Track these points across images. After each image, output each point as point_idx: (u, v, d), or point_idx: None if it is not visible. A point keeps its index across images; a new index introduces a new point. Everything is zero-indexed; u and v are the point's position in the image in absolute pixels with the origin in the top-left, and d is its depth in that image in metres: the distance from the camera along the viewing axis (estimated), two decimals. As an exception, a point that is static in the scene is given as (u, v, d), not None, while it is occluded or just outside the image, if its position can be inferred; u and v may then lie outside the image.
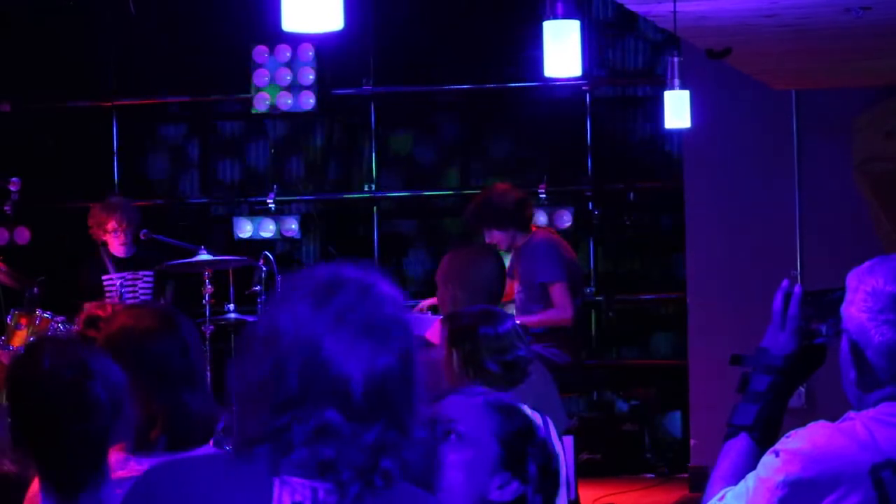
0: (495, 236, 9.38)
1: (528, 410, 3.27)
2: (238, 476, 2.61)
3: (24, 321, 10.21)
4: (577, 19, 7.56)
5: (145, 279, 10.73)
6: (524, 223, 9.42)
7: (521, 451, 3.17)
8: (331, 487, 2.57)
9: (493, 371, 5.13)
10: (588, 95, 12.48)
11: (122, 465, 3.72)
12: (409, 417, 2.65)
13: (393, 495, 2.62)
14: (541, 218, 11.31)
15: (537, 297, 9.27)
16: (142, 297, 10.57)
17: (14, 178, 11.42)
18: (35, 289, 10.74)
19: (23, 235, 12.90)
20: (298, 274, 2.73)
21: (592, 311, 12.38)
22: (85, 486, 3.46)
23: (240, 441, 2.65)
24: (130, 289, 10.66)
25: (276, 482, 2.58)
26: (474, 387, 4.90)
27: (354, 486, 2.57)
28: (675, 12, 8.86)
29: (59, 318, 10.14)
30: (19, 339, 10.09)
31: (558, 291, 9.20)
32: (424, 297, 11.28)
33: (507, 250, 9.51)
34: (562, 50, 7.53)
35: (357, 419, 2.59)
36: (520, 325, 5.81)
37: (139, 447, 3.84)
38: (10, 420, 3.57)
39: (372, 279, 2.69)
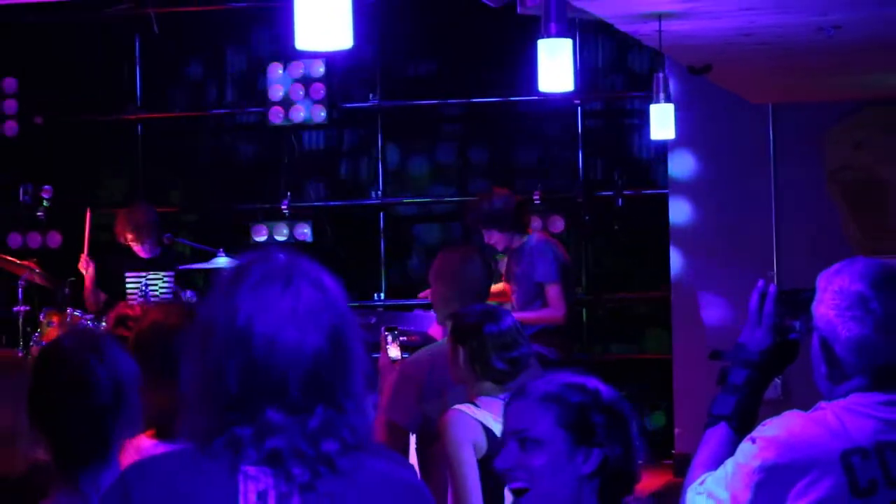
0: (494, 237, 9.37)
1: (577, 378, 3.23)
2: (206, 470, 2.58)
3: (55, 319, 10.22)
4: (570, 38, 7.57)
5: (166, 279, 10.73)
6: (522, 226, 9.43)
7: (586, 424, 3.17)
8: (283, 474, 2.55)
9: (500, 368, 5.08)
10: (579, 109, 12.50)
11: (152, 449, 3.72)
12: (345, 397, 2.61)
13: (354, 473, 2.59)
14: (535, 223, 11.29)
15: (533, 296, 9.26)
16: (163, 297, 10.58)
17: (46, 186, 11.44)
18: (66, 289, 10.76)
19: (54, 239, 12.92)
20: (230, 267, 2.70)
21: (583, 309, 12.38)
22: (85, 466, 3.43)
23: (194, 436, 2.62)
24: (153, 288, 10.67)
25: (241, 475, 2.55)
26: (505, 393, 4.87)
27: (304, 474, 2.54)
28: (660, 31, 8.88)
29: (88, 317, 10.15)
30: (51, 335, 10.10)
31: (554, 291, 9.20)
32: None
33: (505, 251, 9.53)
34: (555, 66, 7.54)
35: (296, 411, 2.57)
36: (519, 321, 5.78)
37: (165, 435, 3.84)
38: (28, 404, 3.59)
39: (298, 267, 2.65)
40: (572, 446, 3.17)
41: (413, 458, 5.90)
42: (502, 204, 9.35)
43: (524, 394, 3.26)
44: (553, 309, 9.16)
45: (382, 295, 12.81)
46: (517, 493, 3.24)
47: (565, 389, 3.22)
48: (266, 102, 12.77)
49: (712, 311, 11.82)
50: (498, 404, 4.87)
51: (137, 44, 13.17)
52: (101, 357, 3.49)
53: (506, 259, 9.63)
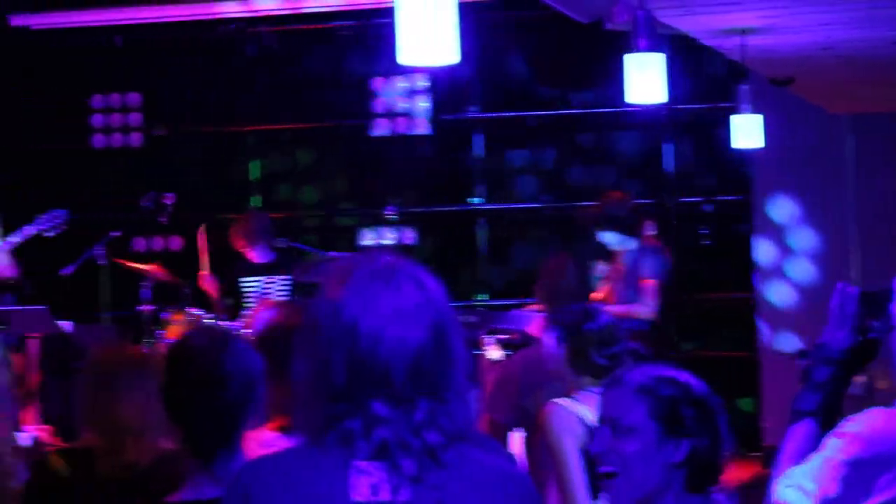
0: (608, 238, 9.32)
1: (670, 372, 3.23)
2: (319, 465, 2.58)
3: (177, 317, 10.33)
4: (662, 52, 7.54)
5: (281, 282, 10.79)
6: (636, 229, 9.35)
7: (677, 416, 3.16)
8: (393, 467, 2.55)
9: (600, 364, 5.02)
10: (667, 119, 12.46)
11: (276, 442, 3.75)
12: (447, 390, 2.60)
13: (459, 465, 2.59)
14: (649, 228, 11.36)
15: (634, 295, 9.19)
16: (280, 297, 10.65)
17: (168, 194, 11.55)
18: (186, 289, 10.86)
19: (176, 243, 13.06)
20: (338, 267, 2.71)
21: (672, 308, 12.31)
22: (216, 455, 3.45)
23: (307, 431, 2.64)
24: (269, 291, 10.74)
25: (353, 469, 2.55)
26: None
27: (410, 464, 2.54)
28: (742, 46, 8.83)
29: (209, 315, 10.25)
30: (173, 332, 10.21)
31: (650, 288, 9.12)
32: (524, 296, 11.31)
33: (614, 251, 9.41)
34: (644, 79, 7.51)
35: (401, 403, 2.57)
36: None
37: (286, 429, 3.87)
38: (162, 397, 3.61)
39: (401, 267, 2.66)
40: (662, 436, 3.17)
41: (520, 452, 5.89)
42: (620, 207, 9.30)
43: (620, 383, 3.26)
44: (644, 305, 9.09)
45: (484, 296, 12.82)
46: (607, 477, 3.23)
47: (658, 382, 3.21)
48: (372, 114, 12.84)
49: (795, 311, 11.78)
50: (595, 398, 4.85)
51: (250, 60, 13.27)
52: (230, 353, 3.52)
53: (605, 265, 9.58)
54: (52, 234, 9.44)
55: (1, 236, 9.41)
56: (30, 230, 9.33)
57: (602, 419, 3.27)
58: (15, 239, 9.32)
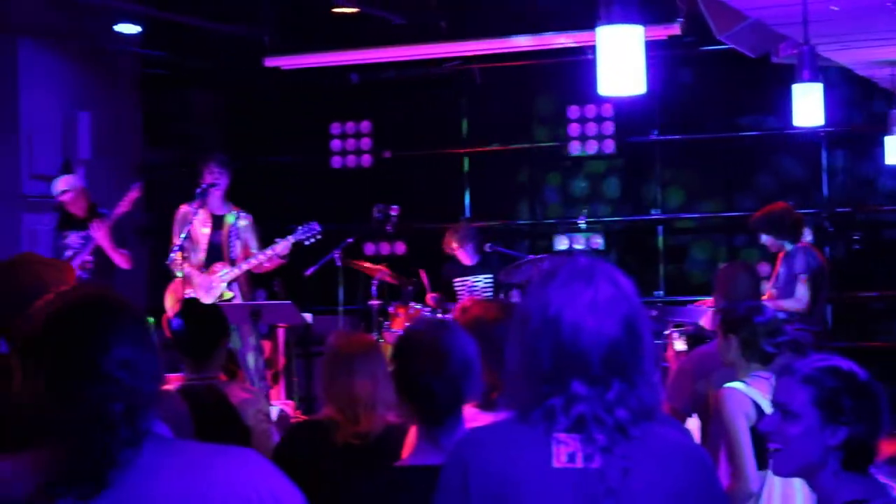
0: (769, 240, 9.19)
1: (835, 361, 3.13)
2: (525, 436, 2.61)
3: (401, 311, 10.42)
4: (820, 82, 7.40)
5: (486, 281, 10.83)
6: (794, 235, 9.18)
7: (837, 405, 3.06)
8: (588, 439, 2.56)
9: (769, 352, 4.97)
10: (823, 140, 12.23)
11: (475, 417, 3.75)
12: (636, 374, 2.60)
13: (644, 438, 2.59)
14: (807, 235, 11.18)
15: (791, 291, 9.03)
16: (484, 295, 10.69)
17: (394, 206, 11.67)
18: (409, 287, 10.95)
19: (400, 248, 13.18)
20: (544, 267, 2.72)
21: (828, 305, 12.03)
22: (441, 425, 3.45)
23: (516, 407, 2.66)
24: (475, 288, 10.78)
25: (553, 440, 2.58)
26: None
27: (602, 436, 2.55)
28: (893, 76, 8.59)
29: (426, 309, 10.31)
30: (398, 324, 10.30)
31: (801, 285, 8.96)
32: (695, 293, 11.16)
33: (775, 254, 9.28)
34: (807, 105, 7.39)
35: (596, 383, 2.58)
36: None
37: (486, 405, 3.87)
38: (393, 380, 3.61)
39: (598, 268, 2.66)
40: (822, 422, 3.07)
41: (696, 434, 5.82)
42: (779, 216, 9.17)
43: (791, 372, 3.18)
44: (798, 300, 8.92)
45: (661, 292, 12.70)
46: (772, 452, 3.18)
47: (823, 373, 3.11)
48: (565, 137, 12.81)
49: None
50: (764, 383, 4.80)
51: (463, 92, 13.35)
52: (450, 335, 3.53)
53: (768, 266, 9.45)
54: (308, 243, 9.56)
55: (258, 246, 9.59)
56: (293, 238, 9.47)
57: (773, 403, 3.20)
58: (283, 250, 9.45)
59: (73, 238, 9.87)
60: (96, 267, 9.77)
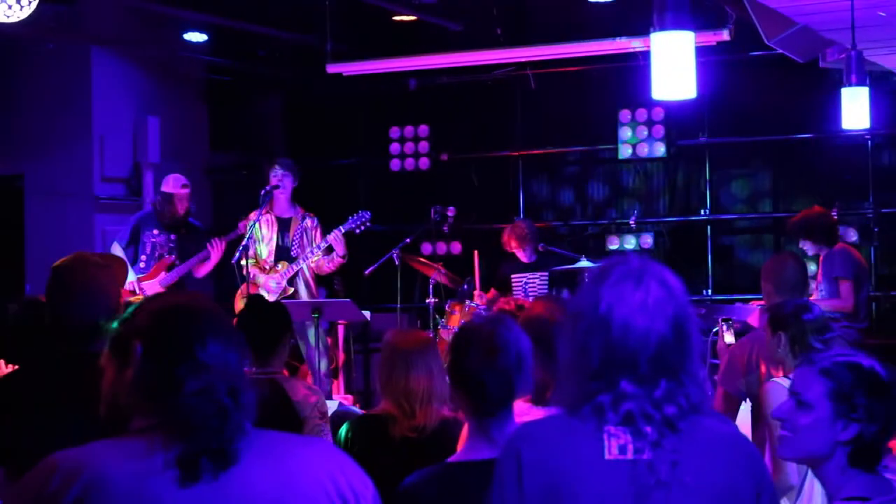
0: (807, 245, 9.15)
1: (858, 358, 3.07)
2: (577, 430, 2.60)
3: (456, 308, 10.41)
4: (867, 86, 7.32)
5: (541, 278, 10.80)
6: (831, 238, 9.13)
7: (851, 402, 3.00)
8: (637, 432, 2.56)
9: (818, 347, 4.89)
10: (869, 142, 12.10)
11: (527, 412, 3.73)
12: (683, 373, 2.60)
13: (692, 432, 2.58)
14: (848, 237, 11.07)
15: (834, 292, 8.98)
16: (539, 292, 10.67)
17: (451, 207, 11.66)
18: (465, 285, 10.94)
19: (456, 248, 13.17)
20: (596, 267, 2.72)
21: (873, 303, 11.89)
22: (493, 417, 3.43)
23: (566, 403, 2.65)
24: (530, 285, 10.76)
25: (605, 433, 2.57)
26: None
27: (651, 431, 2.54)
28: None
29: (482, 307, 10.30)
30: (454, 321, 10.29)
31: (845, 286, 8.91)
32: (742, 291, 11.05)
33: (814, 257, 9.26)
34: (855, 109, 7.31)
35: (644, 382, 2.57)
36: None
37: (539, 401, 3.85)
38: (448, 373, 3.60)
39: (649, 268, 2.65)
40: (834, 416, 3.02)
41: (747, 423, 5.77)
42: (816, 221, 9.12)
43: (810, 362, 3.14)
44: (843, 300, 8.87)
45: (709, 291, 12.62)
46: (780, 437, 3.15)
47: (842, 367, 3.05)
48: (618, 140, 12.76)
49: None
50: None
51: (517, 97, 13.33)
52: (505, 330, 3.52)
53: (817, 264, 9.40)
54: (359, 231, 9.60)
55: (319, 237, 9.66)
56: (345, 228, 9.54)
57: (790, 391, 3.16)
58: (337, 239, 9.52)
59: (161, 237, 9.86)
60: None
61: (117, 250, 9.70)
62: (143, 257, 9.81)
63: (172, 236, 9.84)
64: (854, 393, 3.00)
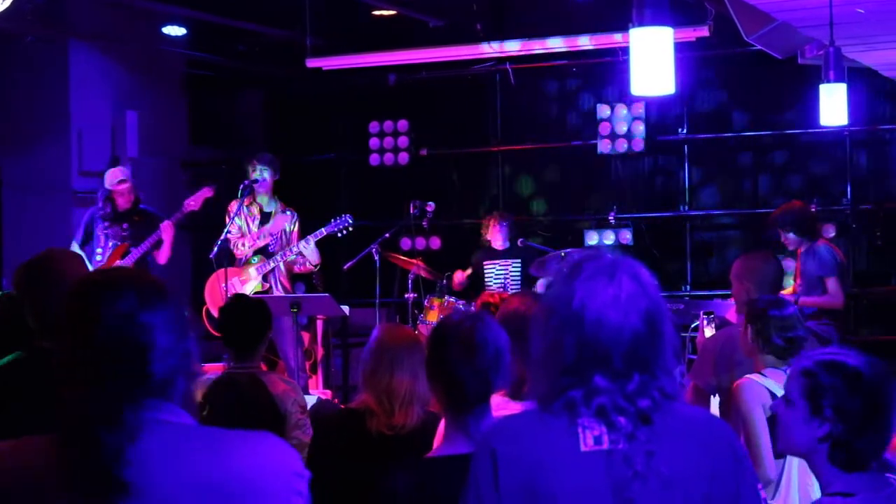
0: (789, 239, 9.15)
1: (841, 358, 3.08)
2: (551, 425, 2.60)
3: (435, 304, 10.40)
4: (845, 82, 7.34)
5: (514, 266, 10.86)
6: (813, 232, 9.16)
7: (819, 402, 3.02)
8: (610, 424, 2.56)
9: (778, 344, 4.96)
10: (848, 138, 12.14)
11: (505, 406, 3.73)
12: (657, 367, 2.60)
13: (666, 421, 2.58)
14: (827, 232, 11.10)
15: (815, 287, 9.00)
16: (515, 281, 10.74)
17: (430, 202, 11.67)
18: (444, 281, 10.94)
19: (435, 243, 13.17)
20: (568, 262, 2.70)
21: (850, 300, 11.94)
22: (471, 413, 3.43)
23: (539, 398, 2.64)
24: (503, 272, 10.82)
25: (579, 427, 2.56)
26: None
27: (625, 422, 2.54)
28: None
29: (460, 302, 10.30)
30: (432, 316, 10.28)
31: (832, 283, 8.93)
32: (720, 287, 11.09)
33: (794, 251, 9.27)
34: (833, 105, 7.33)
35: (618, 377, 2.57)
36: (799, 309, 5.62)
37: (516, 395, 3.85)
38: (426, 368, 3.60)
39: (621, 264, 2.64)
40: (810, 414, 3.05)
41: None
42: (800, 213, 9.15)
43: (798, 360, 3.17)
44: (832, 297, 8.90)
45: (688, 286, 12.65)
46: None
47: (821, 367, 3.06)
48: (597, 136, 12.76)
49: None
50: (781, 375, 4.79)
51: (496, 92, 13.33)
52: (483, 326, 3.51)
53: (791, 261, 9.41)
54: (340, 235, 9.69)
55: (299, 236, 9.70)
56: (326, 231, 9.59)
57: (784, 389, 3.19)
58: (315, 238, 9.58)
59: (113, 228, 9.86)
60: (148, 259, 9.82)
61: (75, 249, 9.67)
62: (99, 250, 9.84)
63: (125, 225, 9.86)
64: (824, 393, 3.02)
